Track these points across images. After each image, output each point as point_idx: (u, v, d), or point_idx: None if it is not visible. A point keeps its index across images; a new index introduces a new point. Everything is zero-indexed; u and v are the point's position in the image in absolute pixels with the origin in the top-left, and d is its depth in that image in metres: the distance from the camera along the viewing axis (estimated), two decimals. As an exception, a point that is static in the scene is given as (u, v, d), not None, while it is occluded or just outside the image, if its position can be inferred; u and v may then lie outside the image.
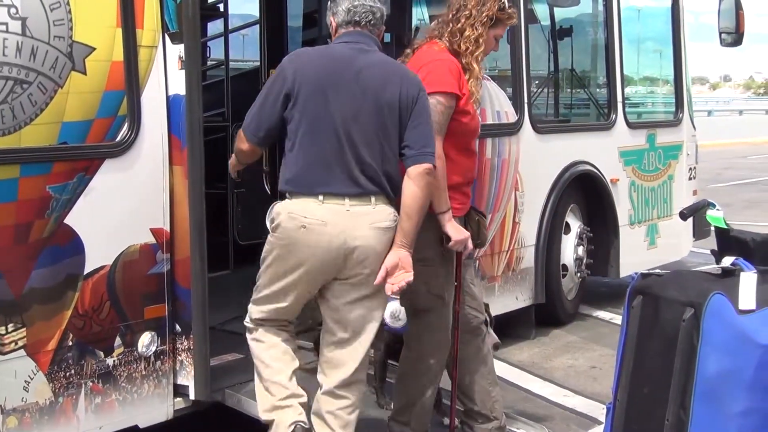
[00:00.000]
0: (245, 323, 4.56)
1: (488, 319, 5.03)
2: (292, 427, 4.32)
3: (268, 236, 4.37)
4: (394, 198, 4.24)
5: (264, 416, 4.45)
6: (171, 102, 4.85)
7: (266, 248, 4.39)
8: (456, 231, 4.47)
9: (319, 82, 4.20)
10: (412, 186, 4.15)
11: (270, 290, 4.37)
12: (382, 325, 4.61)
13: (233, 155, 4.63)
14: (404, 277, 4.16)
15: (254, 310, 4.49)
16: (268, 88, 4.34)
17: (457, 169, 4.57)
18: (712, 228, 4.72)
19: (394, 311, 4.91)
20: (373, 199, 4.19)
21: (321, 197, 4.17)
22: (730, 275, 3.80)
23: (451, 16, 4.66)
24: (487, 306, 5.05)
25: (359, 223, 4.15)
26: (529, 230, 7.32)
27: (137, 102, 4.70)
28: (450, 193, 4.50)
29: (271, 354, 4.48)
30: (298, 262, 4.21)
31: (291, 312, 4.46)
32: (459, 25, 4.60)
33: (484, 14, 4.60)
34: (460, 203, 4.63)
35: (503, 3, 4.66)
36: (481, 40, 4.60)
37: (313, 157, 4.21)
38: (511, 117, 7.08)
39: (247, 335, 4.55)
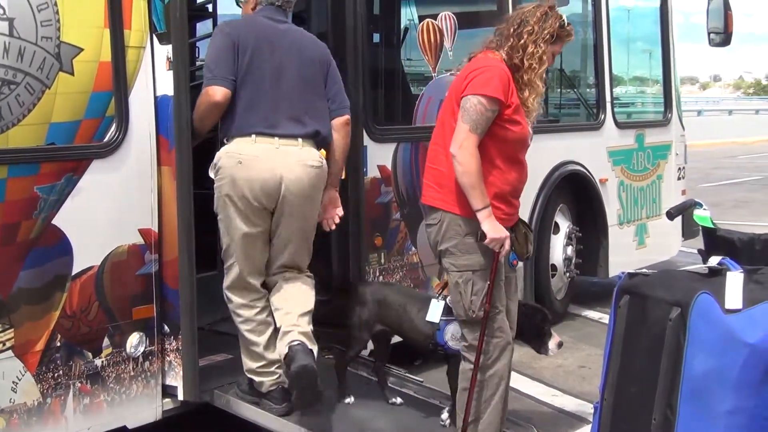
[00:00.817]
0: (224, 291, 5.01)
1: (548, 317, 5.10)
2: (273, 387, 4.97)
3: (215, 187, 4.89)
4: (321, 147, 4.93)
5: (248, 375, 5.02)
6: (159, 103, 4.85)
7: (216, 203, 4.93)
8: (493, 228, 4.46)
9: (257, 37, 4.87)
10: (336, 134, 5.02)
11: (235, 242, 4.91)
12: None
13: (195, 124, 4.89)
14: (336, 212, 5.16)
15: (230, 277, 4.98)
16: (218, 45, 4.86)
17: (504, 178, 4.58)
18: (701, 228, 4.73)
19: (454, 332, 4.87)
20: (300, 140, 4.83)
21: (254, 137, 4.79)
22: (716, 275, 3.81)
23: (512, 30, 4.63)
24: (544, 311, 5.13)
25: (288, 159, 4.79)
26: (518, 230, 7.31)
27: (125, 103, 4.70)
28: (495, 202, 4.51)
29: (249, 327, 4.96)
30: (241, 196, 4.77)
31: (261, 261, 4.97)
32: (521, 41, 4.58)
33: (546, 31, 4.58)
34: (505, 214, 4.61)
35: (563, 20, 4.66)
36: (544, 57, 4.59)
37: (248, 103, 4.81)
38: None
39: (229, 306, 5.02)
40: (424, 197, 4.76)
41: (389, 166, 6.26)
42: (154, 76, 4.84)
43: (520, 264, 5.21)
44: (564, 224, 7.98)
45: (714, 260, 3.89)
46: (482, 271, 4.55)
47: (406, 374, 5.75)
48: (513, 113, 4.54)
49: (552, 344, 4.98)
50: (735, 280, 3.72)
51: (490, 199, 4.48)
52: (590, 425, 4.43)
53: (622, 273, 4.09)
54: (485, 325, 4.59)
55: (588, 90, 8.77)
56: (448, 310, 4.90)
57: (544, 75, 4.66)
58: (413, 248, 6.44)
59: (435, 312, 4.99)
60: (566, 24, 4.68)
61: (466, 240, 4.53)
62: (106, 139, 4.65)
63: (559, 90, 8.82)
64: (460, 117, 4.48)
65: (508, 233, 4.53)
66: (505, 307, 4.75)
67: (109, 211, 4.68)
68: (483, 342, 4.60)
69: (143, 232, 4.81)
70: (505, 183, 4.59)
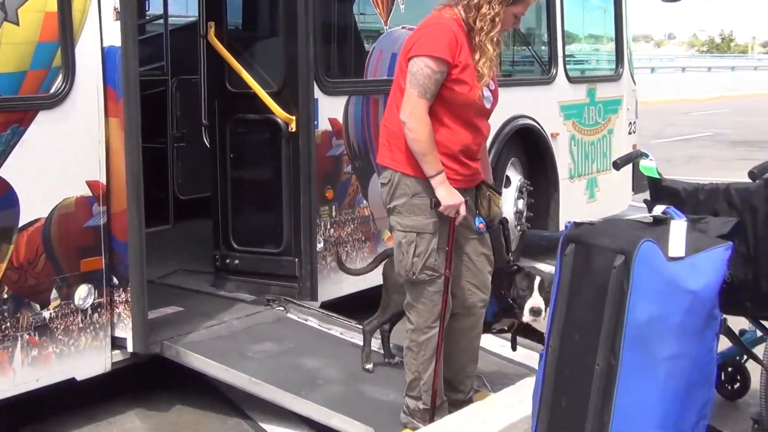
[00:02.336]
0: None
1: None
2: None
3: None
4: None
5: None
6: (106, 53, 4.81)
7: None
8: (447, 195, 4.40)
9: None
10: None
11: None
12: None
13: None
14: None
15: None
16: None
17: (453, 138, 4.48)
18: (650, 180, 4.76)
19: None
20: None
21: None
22: (660, 224, 3.85)
23: None
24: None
25: None
26: (469, 184, 7.34)
27: (71, 53, 4.65)
28: (447, 161, 4.45)
29: None
30: None
31: None
32: (475, 0, 4.43)
33: None
34: (459, 174, 4.52)
35: None
36: (497, 20, 4.42)
37: None
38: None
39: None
40: (377, 156, 4.70)
41: (340, 119, 6.26)
42: (101, 26, 4.79)
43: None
44: (515, 178, 8.02)
45: (658, 209, 3.93)
46: (428, 234, 4.48)
47: (357, 325, 5.78)
48: (459, 73, 4.41)
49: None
50: (679, 229, 3.76)
51: (439, 158, 4.44)
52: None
53: (568, 222, 4.12)
54: (447, 285, 4.56)
55: (542, 47, 8.78)
56: None
57: (497, 38, 4.49)
58: (364, 201, 6.46)
59: None
60: None
61: (414, 201, 4.47)
62: (52, 90, 4.61)
63: (512, 45, 8.83)
64: (408, 81, 4.38)
65: (462, 199, 4.45)
66: (473, 268, 4.73)
67: (56, 162, 4.65)
68: (422, 304, 4.58)
69: (91, 184, 4.78)
70: (454, 143, 4.49)
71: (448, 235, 4.50)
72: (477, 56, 4.45)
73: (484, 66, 4.46)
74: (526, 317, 4.84)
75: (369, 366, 5.24)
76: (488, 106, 4.60)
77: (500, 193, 5.02)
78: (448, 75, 4.39)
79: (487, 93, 4.56)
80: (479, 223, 4.68)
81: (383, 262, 5.30)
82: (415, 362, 4.63)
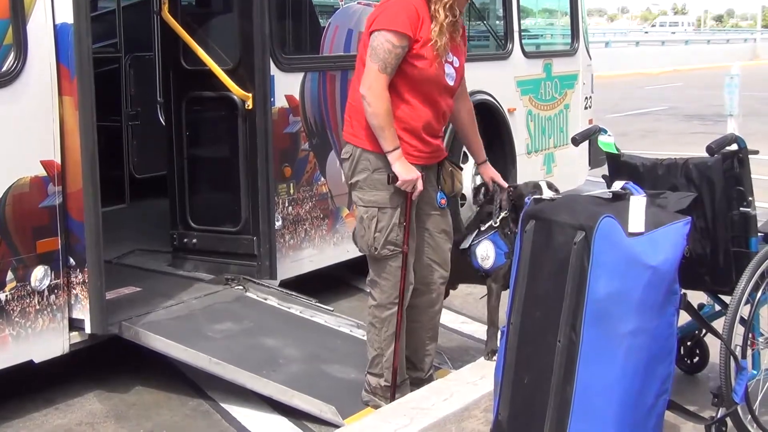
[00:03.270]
0: None
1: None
2: None
3: None
4: None
5: None
6: (58, 31, 4.74)
7: None
8: (404, 170, 4.39)
9: None
10: None
11: None
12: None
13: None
14: None
15: None
16: None
17: (414, 114, 4.46)
18: (606, 156, 4.77)
19: (482, 253, 4.91)
20: None
21: None
22: (620, 199, 3.86)
23: None
24: None
25: None
26: (427, 160, 7.33)
27: (23, 31, 4.58)
28: (407, 137, 4.44)
29: None
30: None
31: None
32: None
33: None
34: (419, 151, 4.51)
35: None
36: None
37: None
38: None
39: None
40: (343, 132, 4.68)
41: (297, 96, 6.21)
42: (53, 3, 4.72)
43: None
44: (473, 154, 8.00)
45: (617, 185, 3.93)
46: (389, 209, 4.48)
47: (317, 303, 5.77)
48: (420, 48, 4.40)
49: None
50: (638, 204, 3.77)
51: (399, 134, 4.41)
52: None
53: (528, 199, 4.12)
54: (404, 261, 4.56)
55: (497, 21, 8.77)
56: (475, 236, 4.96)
57: (450, 4, 4.42)
58: (322, 178, 6.43)
59: (466, 241, 5.00)
60: None
61: (374, 176, 4.47)
62: (4, 68, 4.54)
63: (467, 20, 8.81)
64: (368, 56, 4.37)
65: (419, 174, 4.44)
66: (433, 243, 4.71)
67: (9, 142, 4.58)
68: (385, 280, 4.57)
69: (45, 164, 4.71)
70: (414, 119, 4.47)
71: (405, 210, 4.50)
72: (431, 24, 4.41)
73: (434, 32, 4.41)
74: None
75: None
76: (451, 83, 4.56)
77: (461, 168, 5.01)
78: (409, 50, 4.38)
79: (449, 70, 4.53)
80: (441, 199, 4.68)
81: None
82: (378, 338, 4.62)
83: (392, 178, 4.42)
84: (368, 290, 4.70)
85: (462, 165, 7.80)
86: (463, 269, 4.96)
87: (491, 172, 4.92)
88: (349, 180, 4.60)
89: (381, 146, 4.40)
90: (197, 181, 6.13)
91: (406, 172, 4.40)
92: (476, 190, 5.03)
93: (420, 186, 4.45)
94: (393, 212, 4.49)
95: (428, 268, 4.72)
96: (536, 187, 4.72)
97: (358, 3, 6.77)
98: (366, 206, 4.52)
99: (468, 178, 7.91)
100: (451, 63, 4.54)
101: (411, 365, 4.82)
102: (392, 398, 4.63)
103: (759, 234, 4.31)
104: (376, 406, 4.65)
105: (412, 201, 4.50)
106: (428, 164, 4.60)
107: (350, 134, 4.54)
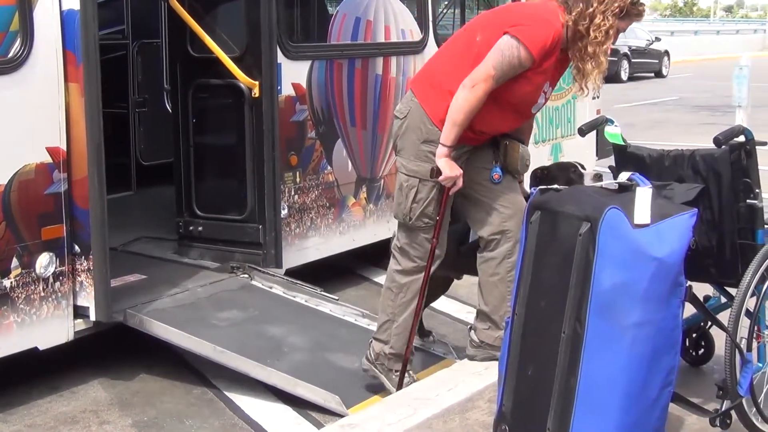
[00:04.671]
0: None
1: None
2: None
3: None
4: None
5: None
6: (65, 17, 4.73)
7: None
8: (448, 167, 4.39)
9: None
10: None
11: None
12: None
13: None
14: None
15: None
16: None
17: (496, 123, 4.49)
18: (614, 146, 4.75)
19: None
20: None
21: None
22: (626, 190, 3.84)
23: None
24: None
25: None
26: (434, 149, 7.32)
27: (29, 17, 4.57)
28: (471, 131, 4.42)
29: None
30: None
31: None
32: (590, 9, 4.31)
33: (616, 5, 4.32)
34: (473, 136, 4.50)
35: None
36: (611, 32, 4.34)
37: None
38: (416, 35, 7.06)
39: None
40: (411, 86, 4.65)
41: (304, 84, 6.20)
42: (59, -10, 4.71)
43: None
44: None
45: (624, 176, 3.91)
46: (430, 183, 4.46)
47: (322, 292, 5.76)
48: (533, 74, 4.37)
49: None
50: (644, 196, 3.75)
51: (468, 126, 4.39)
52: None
53: (533, 189, 4.10)
54: (433, 252, 4.56)
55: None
56: None
57: (609, 51, 4.40)
58: (329, 167, 6.42)
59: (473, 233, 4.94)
60: (638, 1, 4.42)
61: (423, 147, 4.45)
62: (10, 54, 4.53)
63: (476, 9, 8.78)
64: (493, 56, 4.30)
65: (460, 171, 4.43)
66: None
67: (15, 128, 4.58)
68: (413, 249, 4.57)
69: (51, 151, 4.71)
70: (488, 125, 4.48)
71: (440, 204, 4.50)
72: (589, 66, 4.38)
73: (597, 78, 4.42)
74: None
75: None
76: (535, 111, 4.63)
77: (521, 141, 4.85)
78: (526, 69, 4.35)
79: (541, 99, 4.56)
80: (494, 173, 4.64)
81: None
82: (392, 303, 4.62)
83: (435, 171, 4.42)
84: (393, 253, 4.67)
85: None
86: (469, 259, 4.94)
87: None
88: (395, 139, 4.58)
89: (442, 136, 4.37)
90: (203, 168, 6.12)
91: (450, 169, 4.40)
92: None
93: (460, 183, 4.46)
94: (433, 186, 4.48)
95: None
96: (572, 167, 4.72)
97: (365, -9, 6.75)
98: (408, 175, 4.51)
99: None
100: (545, 93, 4.55)
101: (493, 324, 4.73)
102: (404, 369, 4.63)
103: (766, 226, 4.29)
104: (374, 377, 4.67)
105: (446, 197, 4.51)
106: (479, 144, 4.59)
107: (420, 93, 4.50)
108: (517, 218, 4.51)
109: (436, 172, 4.42)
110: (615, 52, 24.16)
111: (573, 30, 4.36)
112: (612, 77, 23.94)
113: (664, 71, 30.70)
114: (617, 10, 4.34)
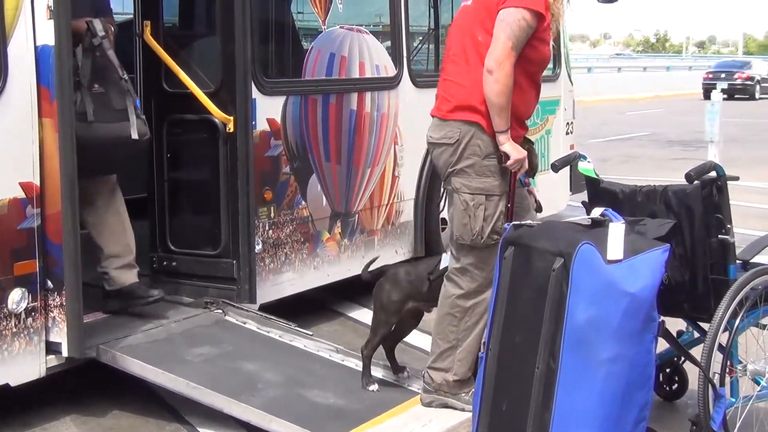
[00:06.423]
0: None
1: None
2: None
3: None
4: None
5: None
6: (39, 53, 4.72)
7: None
8: (515, 149, 4.39)
9: None
10: None
11: None
12: None
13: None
14: None
15: None
16: None
17: (524, 100, 4.48)
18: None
19: None
20: None
21: None
22: (599, 226, 3.88)
23: None
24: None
25: None
26: (408, 184, 7.35)
27: (4, 52, 4.57)
28: (513, 123, 4.42)
29: None
30: None
31: None
32: None
33: None
34: (518, 135, 4.52)
35: None
36: None
37: None
38: (390, 71, 7.10)
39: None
40: (439, 110, 4.61)
41: (278, 120, 6.21)
42: (34, 25, 4.70)
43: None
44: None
45: (597, 211, 3.95)
46: (496, 197, 4.46)
47: (296, 328, 5.75)
48: (544, 30, 4.39)
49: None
50: (617, 232, 3.79)
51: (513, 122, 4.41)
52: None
53: (507, 225, 4.13)
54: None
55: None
56: None
57: None
58: (303, 202, 6.42)
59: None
60: None
61: (484, 162, 4.44)
62: (-17, 89, 4.52)
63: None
64: (500, 30, 4.28)
65: (525, 153, 4.46)
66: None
67: (-12, 163, 4.56)
68: (478, 269, 4.53)
69: (24, 186, 4.69)
70: (523, 104, 4.49)
71: (509, 191, 4.49)
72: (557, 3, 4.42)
73: (555, 10, 4.41)
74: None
75: (372, 387, 5.01)
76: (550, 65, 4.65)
77: (533, 143, 4.94)
78: (534, 30, 4.35)
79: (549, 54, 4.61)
80: (525, 179, 4.72)
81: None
82: (455, 329, 4.58)
83: (504, 157, 4.40)
84: (452, 278, 4.62)
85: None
86: (438, 289, 4.94)
87: None
88: (452, 166, 4.53)
89: (495, 125, 4.36)
90: (177, 203, 6.11)
91: (516, 151, 4.41)
92: None
93: (526, 165, 4.49)
94: (499, 200, 4.48)
95: None
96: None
97: (341, 27, 6.78)
98: (473, 193, 4.48)
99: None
100: (551, 47, 4.61)
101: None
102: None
103: (737, 261, 4.33)
104: (443, 405, 4.63)
105: (515, 182, 4.50)
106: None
107: (460, 113, 4.48)
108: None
109: (505, 157, 4.40)
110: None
111: None
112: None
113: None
114: None
